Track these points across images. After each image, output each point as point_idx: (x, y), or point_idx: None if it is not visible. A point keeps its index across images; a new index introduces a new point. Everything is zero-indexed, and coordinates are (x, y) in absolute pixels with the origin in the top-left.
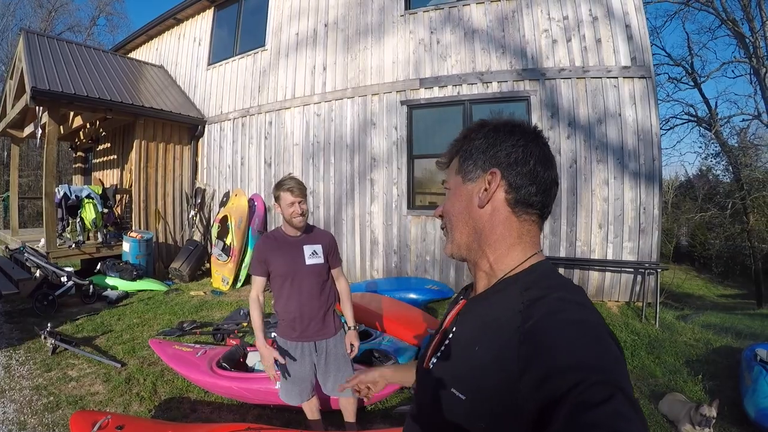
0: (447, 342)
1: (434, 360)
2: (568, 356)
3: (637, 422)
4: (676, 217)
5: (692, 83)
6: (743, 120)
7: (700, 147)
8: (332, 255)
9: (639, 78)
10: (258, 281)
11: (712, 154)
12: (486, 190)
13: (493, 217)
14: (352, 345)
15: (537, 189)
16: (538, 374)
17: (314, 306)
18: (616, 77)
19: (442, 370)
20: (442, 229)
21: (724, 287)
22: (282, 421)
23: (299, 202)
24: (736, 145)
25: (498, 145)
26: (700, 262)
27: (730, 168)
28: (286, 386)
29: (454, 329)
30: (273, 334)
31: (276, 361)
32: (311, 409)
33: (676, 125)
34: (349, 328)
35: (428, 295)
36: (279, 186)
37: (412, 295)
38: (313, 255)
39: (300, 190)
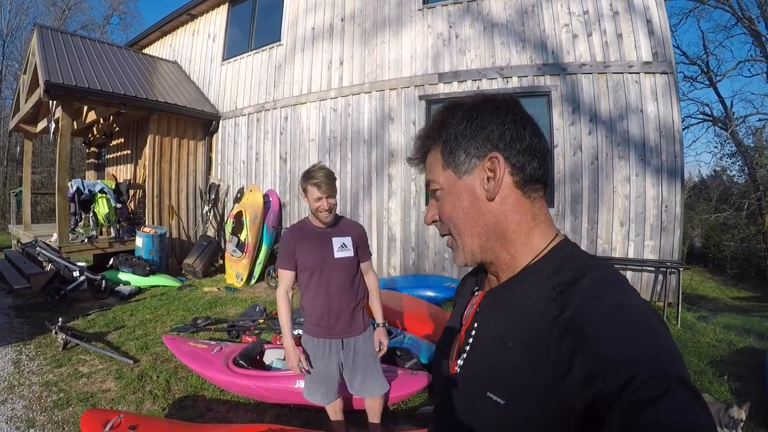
0: (471, 341)
1: (460, 363)
2: (615, 349)
3: (700, 412)
4: (690, 218)
5: (708, 82)
6: (759, 119)
7: (716, 147)
8: (362, 248)
9: (661, 73)
10: (286, 276)
11: (727, 154)
12: (491, 179)
13: (504, 206)
14: (381, 343)
15: (539, 162)
16: (585, 371)
17: (343, 301)
18: (638, 72)
19: (473, 373)
20: (444, 236)
21: (738, 290)
22: (301, 421)
23: (326, 197)
24: (752, 145)
25: (487, 125)
26: (714, 263)
27: (746, 168)
28: (311, 386)
29: (476, 326)
30: (296, 332)
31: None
32: (335, 410)
33: (692, 125)
34: (378, 325)
35: (447, 293)
36: (307, 178)
37: (430, 293)
38: (342, 248)
39: (328, 185)
